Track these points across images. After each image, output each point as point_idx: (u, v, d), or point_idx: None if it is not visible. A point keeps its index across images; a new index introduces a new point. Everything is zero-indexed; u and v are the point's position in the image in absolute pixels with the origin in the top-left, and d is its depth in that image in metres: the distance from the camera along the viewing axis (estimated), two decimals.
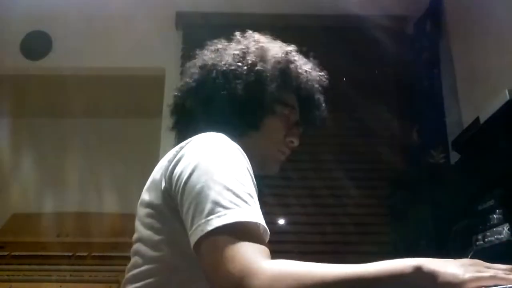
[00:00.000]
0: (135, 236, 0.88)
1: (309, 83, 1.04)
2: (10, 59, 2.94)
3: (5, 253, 2.70)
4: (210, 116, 0.96)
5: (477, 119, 1.74)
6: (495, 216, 1.50)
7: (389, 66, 2.85)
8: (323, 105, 1.10)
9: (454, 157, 2.35)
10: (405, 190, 2.29)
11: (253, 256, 0.64)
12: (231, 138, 0.93)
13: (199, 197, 0.71)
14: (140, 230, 0.86)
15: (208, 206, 0.69)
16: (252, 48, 1.01)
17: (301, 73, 1.02)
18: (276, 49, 1.02)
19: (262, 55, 1.00)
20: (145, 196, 0.87)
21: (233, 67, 0.98)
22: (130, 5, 2.96)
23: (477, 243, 1.56)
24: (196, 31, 2.87)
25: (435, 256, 0.70)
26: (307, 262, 0.65)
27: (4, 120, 3.40)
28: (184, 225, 0.74)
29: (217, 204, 0.69)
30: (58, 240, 2.80)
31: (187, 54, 2.88)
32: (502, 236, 1.43)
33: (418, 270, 0.64)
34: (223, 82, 0.96)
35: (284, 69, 0.99)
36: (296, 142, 1.03)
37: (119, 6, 2.95)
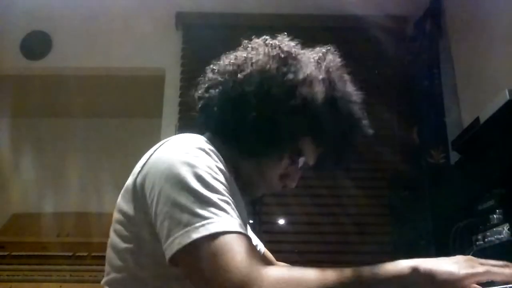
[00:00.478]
0: (108, 240, 0.85)
1: (353, 108, 0.94)
2: (10, 59, 2.94)
3: (5, 253, 2.70)
4: (234, 130, 0.87)
5: (477, 119, 1.74)
6: (495, 216, 1.50)
7: (389, 66, 2.85)
8: (367, 128, 1.00)
9: (454, 157, 2.35)
10: (405, 190, 2.29)
11: (249, 264, 0.62)
12: (233, 153, 0.87)
13: (174, 208, 0.67)
14: (111, 235, 0.83)
15: (185, 218, 0.66)
16: (300, 74, 0.87)
17: (349, 101, 0.92)
18: (318, 70, 0.90)
19: (306, 79, 0.86)
20: (119, 201, 0.83)
21: (273, 91, 0.84)
22: (130, 5, 2.96)
23: (477, 243, 1.56)
24: (196, 31, 2.87)
25: (436, 256, 0.71)
26: (305, 267, 0.64)
27: (4, 120, 3.40)
28: (158, 237, 0.71)
29: (194, 214, 0.66)
30: (58, 240, 2.81)
31: (187, 54, 2.90)
32: (502, 236, 1.43)
33: (415, 271, 0.65)
34: (258, 99, 0.84)
35: (333, 105, 0.88)
36: (292, 186, 0.94)
37: (119, 6, 2.95)
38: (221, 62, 0.95)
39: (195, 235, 0.64)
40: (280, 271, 0.62)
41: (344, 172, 2.60)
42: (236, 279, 0.59)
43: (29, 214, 3.03)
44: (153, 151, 0.80)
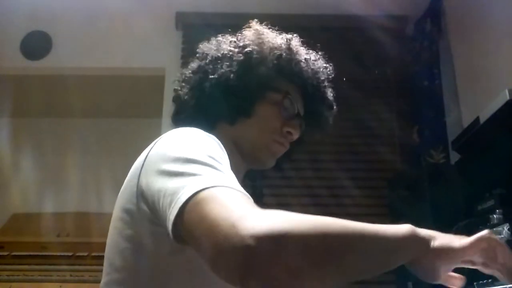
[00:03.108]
0: (107, 240, 0.84)
1: (310, 71, 0.96)
2: (10, 59, 2.94)
3: (5, 253, 2.70)
4: (201, 103, 0.93)
5: (477, 119, 1.75)
6: (495, 216, 1.50)
7: (389, 66, 2.85)
8: (329, 96, 1.01)
9: (454, 157, 2.35)
10: (405, 190, 2.29)
11: (245, 203, 0.58)
12: (223, 127, 0.93)
13: (173, 179, 0.65)
14: (111, 235, 0.82)
15: (182, 181, 0.63)
16: (249, 34, 0.97)
17: (300, 60, 0.95)
18: (275, 37, 0.97)
19: (258, 40, 0.95)
20: (120, 199, 0.82)
21: (225, 52, 0.94)
22: (130, 5, 2.96)
23: None
24: (196, 31, 2.87)
25: None
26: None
27: (4, 120, 3.40)
28: (159, 233, 0.69)
29: (190, 175, 0.64)
30: (58, 240, 2.81)
31: (187, 54, 2.90)
32: (502, 236, 1.43)
33: (414, 231, 0.65)
34: (213, 67, 0.93)
35: (280, 54, 0.93)
36: (294, 134, 0.95)
37: (119, 6, 2.95)
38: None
39: (188, 193, 0.61)
40: (276, 211, 0.57)
41: (344, 172, 2.62)
42: (232, 214, 0.55)
43: (29, 214, 3.02)
44: (153, 145, 0.80)
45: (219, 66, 0.92)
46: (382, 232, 0.61)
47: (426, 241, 0.66)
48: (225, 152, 0.76)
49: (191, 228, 0.59)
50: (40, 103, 3.32)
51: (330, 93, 1.01)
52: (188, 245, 0.62)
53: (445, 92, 2.65)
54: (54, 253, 2.69)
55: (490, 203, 1.57)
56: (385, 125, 2.76)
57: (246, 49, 0.92)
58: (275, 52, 0.93)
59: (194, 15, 2.93)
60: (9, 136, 3.32)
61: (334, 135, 2.72)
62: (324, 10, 2.87)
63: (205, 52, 0.98)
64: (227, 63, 0.92)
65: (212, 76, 0.92)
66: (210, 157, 0.68)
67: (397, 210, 2.32)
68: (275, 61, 0.92)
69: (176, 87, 1.00)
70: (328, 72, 1.01)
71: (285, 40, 0.97)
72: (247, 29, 0.99)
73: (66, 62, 2.93)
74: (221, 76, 0.91)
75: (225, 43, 0.97)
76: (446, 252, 0.67)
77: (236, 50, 0.94)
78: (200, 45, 1.01)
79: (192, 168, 0.65)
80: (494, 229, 1.47)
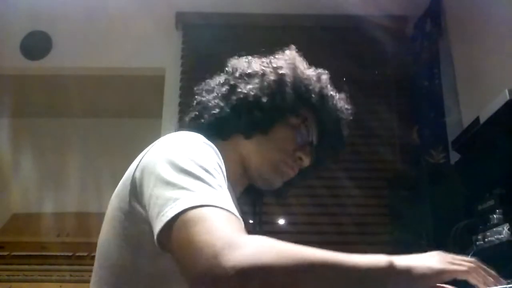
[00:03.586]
0: (99, 240, 0.84)
1: (332, 106, 1.01)
2: (10, 59, 2.94)
3: (5, 253, 2.70)
4: (223, 113, 0.94)
5: (477, 119, 1.75)
6: (495, 216, 1.50)
7: (389, 66, 2.85)
8: (343, 138, 1.06)
9: (454, 157, 2.35)
10: (405, 190, 2.29)
11: (231, 230, 0.59)
12: (237, 139, 0.95)
13: (166, 188, 0.67)
14: (102, 234, 0.83)
15: (175, 193, 0.65)
16: (282, 58, 1.00)
17: (326, 94, 1.00)
18: (307, 66, 1.01)
19: (291, 64, 0.99)
20: (114, 200, 0.83)
21: (257, 70, 0.97)
22: (130, 5, 2.96)
23: (477, 243, 1.56)
24: (196, 31, 2.87)
25: None
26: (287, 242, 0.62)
27: (4, 120, 3.40)
28: (152, 231, 0.70)
29: (183, 189, 0.65)
30: (58, 240, 2.80)
31: (187, 54, 2.91)
32: (502, 236, 1.43)
33: (391, 264, 0.65)
34: (242, 81, 0.96)
35: (309, 83, 0.97)
36: (305, 160, 0.98)
37: (119, 6, 2.95)
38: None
39: (178, 208, 0.62)
40: (262, 239, 0.59)
41: (344, 172, 2.61)
42: (214, 241, 0.57)
43: (29, 214, 3.02)
44: (150, 148, 0.81)
45: (249, 82, 0.96)
46: (363, 266, 0.63)
47: (404, 272, 0.66)
48: (222, 162, 0.77)
49: (176, 247, 0.61)
50: (40, 103, 3.32)
51: (345, 133, 1.06)
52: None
53: (445, 92, 2.64)
54: (54, 253, 2.68)
55: (490, 203, 1.57)
56: (385, 125, 2.76)
57: (279, 71, 0.96)
58: (306, 80, 0.98)
59: (194, 15, 2.93)
60: (9, 136, 3.32)
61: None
62: (324, 10, 2.87)
63: (235, 66, 1.01)
64: (258, 80, 0.95)
65: (241, 90, 0.94)
66: (204, 169, 0.69)
67: (397, 210, 2.32)
68: (303, 89, 0.97)
69: (198, 93, 1.02)
70: (349, 114, 1.06)
71: (316, 72, 1.01)
72: (281, 53, 1.03)
73: (66, 62, 2.93)
74: (250, 91, 0.94)
75: (256, 63, 1.00)
76: (425, 279, 0.68)
77: (269, 70, 0.97)
78: (231, 60, 1.04)
79: (185, 181, 0.66)
80: (494, 229, 1.47)
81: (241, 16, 2.83)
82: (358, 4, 2.71)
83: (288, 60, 1.00)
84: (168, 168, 0.70)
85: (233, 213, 0.63)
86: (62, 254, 2.68)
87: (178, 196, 0.64)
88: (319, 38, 2.70)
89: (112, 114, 3.45)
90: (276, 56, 1.02)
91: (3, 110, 3.29)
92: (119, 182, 0.84)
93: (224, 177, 0.73)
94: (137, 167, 0.78)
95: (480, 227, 1.57)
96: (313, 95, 0.97)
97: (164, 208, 0.64)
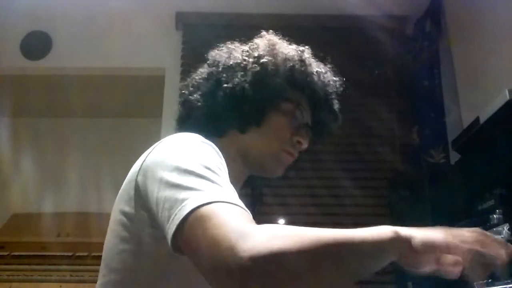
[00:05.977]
0: (105, 242, 0.84)
1: (320, 83, 0.98)
2: (10, 59, 2.94)
3: (5, 253, 2.70)
4: (213, 110, 0.93)
5: (477, 119, 1.75)
6: (495, 216, 1.50)
7: (389, 66, 2.85)
8: (336, 109, 1.04)
9: (454, 157, 2.35)
10: (405, 190, 2.29)
11: (242, 221, 0.60)
12: (232, 135, 0.94)
13: (172, 190, 0.67)
14: (108, 237, 0.83)
15: (182, 194, 0.65)
16: (262, 44, 0.98)
17: (312, 73, 0.97)
18: (288, 47, 0.99)
19: (271, 50, 0.96)
20: (117, 202, 0.83)
21: (239, 61, 0.95)
22: (130, 5, 2.96)
23: None
24: (196, 31, 2.87)
25: None
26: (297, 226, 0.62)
27: (4, 120, 3.40)
28: (158, 236, 0.70)
29: (190, 189, 0.65)
30: (58, 240, 2.81)
31: (187, 54, 2.90)
32: (502, 236, 1.43)
33: (395, 233, 0.65)
34: (227, 75, 0.94)
35: (293, 66, 0.95)
36: (304, 144, 0.97)
37: (119, 6, 2.95)
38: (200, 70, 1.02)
39: (188, 208, 0.62)
40: (274, 227, 0.60)
41: (344, 172, 2.61)
42: (228, 234, 0.57)
43: (29, 214, 3.02)
44: (150, 150, 0.81)
45: (233, 75, 0.93)
46: (369, 238, 0.63)
47: (407, 241, 0.66)
48: (223, 159, 0.77)
49: (191, 245, 0.62)
50: (40, 103, 3.32)
51: (336, 106, 1.04)
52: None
53: (445, 92, 2.64)
54: (54, 253, 2.68)
55: (490, 203, 1.57)
56: (385, 125, 2.76)
57: (261, 60, 0.93)
58: (289, 63, 0.95)
59: (194, 15, 2.93)
60: (9, 136, 3.32)
61: (334, 135, 2.72)
62: (324, 10, 2.87)
63: (216, 59, 0.99)
64: (242, 73, 0.93)
65: (227, 85, 0.92)
66: (207, 168, 0.69)
67: (397, 210, 2.32)
68: (288, 73, 0.94)
69: (184, 91, 1.01)
70: (337, 85, 1.04)
71: (298, 51, 0.98)
72: (259, 38, 1.01)
73: (66, 62, 2.93)
74: (236, 85, 0.92)
75: (236, 52, 0.98)
76: (428, 249, 0.66)
77: (251, 60, 0.94)
78: (211, 52, 1.02)
79: (190, 181, 0.66)
80: (494, 229, 1.47)
81: (241, 16, 2.83)
82: (358, 4, 2.71)
83: (268, 46, 0.97)
84: (172, 170, 0.70)
85: (241, 207, 0.64)
86: (62, 254, 2.68)
87: (186, 196, 0.64)
88: (319, 38, 2.70)
89: (112, 114, 3.45)
90: (255, 42, 0.99)
91: (3, 110, 3.29)
92: (119, 182, 0.84)
93: (227, 174, 0.73)
94: (138, 171, 0.78)
95: (480, 227, 1.57)
96: (299, 77, 0.95)
97: (173, 210, 0.64)
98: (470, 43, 2.49)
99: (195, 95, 0.97)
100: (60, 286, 2.54)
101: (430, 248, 0.66)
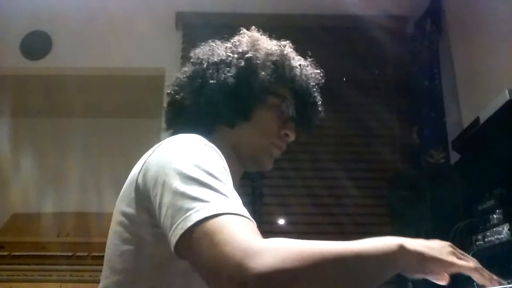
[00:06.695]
0: (107, 243, 0.85)
1: (303, 77, 1.01)
2: (10, 59, 2.94)
3: (5, 253, 2.70)
4: (200, 108, 0.94)
5: (477, 119, 1.75)
6: (495, 216, 1.50)
7: (389, 66, 2.85)
8: (319, 101, 1.06)
9: (454, 157, 2.35)
10: (405, 190, 2.29)
11: (249, 237, 0.60)
12: (222, 131, 0.95)
13: (176, 197, 0.67)
14: (110, 237, 0.83)
15: (186, 203, 0.65)
16: (244, 41, 1.00)
17: (294, 67, 1.00)
18: (269, 42, 1.01)
19: (254, 46, 0.98)
20: (119, 203, 0.83)
21: (223, 57, 0.97)
22: (130, 5, 2.96)
23: (477, 243, 1.56)
24: (196, 31, 2.87)
25: None
26: (303, 240, 0.63)
27: (4, 120, 3.40)
28: (159, 237, 0.71)
29: (195, 199, 0.65)
30: (58, 240, 2.81)
31: (187, 54, 2.88)
32: (502, 236, 1.43)
33: (401, 247, 0.67)
34: (212, 72, 0.95)
35: (276, 60, 0.97)
36: (291, 136, 0.99)
37: (119, 6, 2.95)
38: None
39: (197, 217, 0.63)
40: (281, 242, 0.60)
41: (344, 172, 2.61)
42: (235, 251, 0.58)
43: (29, 214, 3.02)
44: (152, 152, 0.81)
45: (218, 71, 0.95)
46: (375, 253, 0.65)
47: (414, 255, 0.69)
48: (224, 160, 0.77)
49: (195, 257, 0.63)
50: (40, 103, 3.32)
51: (319, 98, 1.06)
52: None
53: (445, 92, 2.65)
54: (54, 253, 2.68)
55: (490, 203, 1.57)
56: (385, 125, 2.76)
57: (246, 55, 0.95)
58: (272, 58, 0.97)
59: (194, 15, 2.93)
60: (9, 136, 3.32)
61: (334, 135, 2.72)
62: (324, 10, 2.87)
63: (200, 57, 1.00)
64: (227, 69, 0.94)
65: (212, 82, 0.94)
66: (210, 174, 0.70)
67: (397, 210, 2.32)
68: (272, 67, 0.96)
69: (170, 91, 1.02)
70: (319, 78, 1.05)
71: (279, 46, 1.01)
72: (240, 35, 1.03)
73: (66, 62, 2.93)
74: (222, 81, 0.93)
75: (219, 49, 1.00)
76: (434, 265, 0.71)
77: (236, 56, 0.96)
78: (193, 50, 1.04)
79: (194, 190, 0.67)
80: (494, 229, 1.47)
81: (241, 16, 2.83)
82: (358, 4, 2.71)
83: (251, 42, 0.99)
84: (175, 176, 0.70)
85: (247, 217, 0.64)
86: (62, 254, 2.68)
87: (190, 206, 0.64)
88: (319, 38, 2.70)
89: (112, 114, 3.45)
90: (237, 39, 1.01)
91: (3, 110, 3.29)
92: (119, 182, 0.84)
93: (230, 178, 0.74)
94: (139, 172, 0.78)
95: (480, 227, 1.57)
96: (283, 71, 0.97)
97: (176, 219, 0.65)
98: (470, 43, 2.49)
99: (181, 94, 0.98)
100: (60, 286, 2.54)
101: (436, 265, 0.71)
